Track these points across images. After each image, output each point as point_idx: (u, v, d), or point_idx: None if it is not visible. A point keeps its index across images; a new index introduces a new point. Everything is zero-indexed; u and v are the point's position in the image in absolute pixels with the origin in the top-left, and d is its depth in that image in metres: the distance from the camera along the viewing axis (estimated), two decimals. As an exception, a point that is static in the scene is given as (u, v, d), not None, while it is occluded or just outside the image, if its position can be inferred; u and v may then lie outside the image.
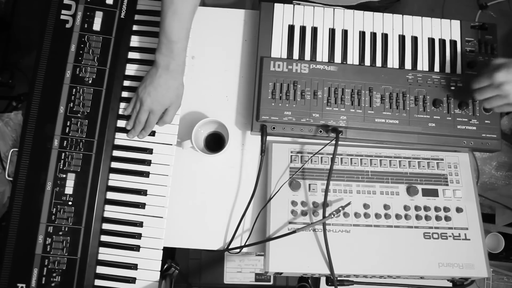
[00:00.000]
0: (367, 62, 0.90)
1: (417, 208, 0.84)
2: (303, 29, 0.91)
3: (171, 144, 0.86)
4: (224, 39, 0.96)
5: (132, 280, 0.81)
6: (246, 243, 0.83)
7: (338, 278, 0.82)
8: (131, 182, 0.84)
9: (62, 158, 0.81)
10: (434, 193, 0.85)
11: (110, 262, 0.81)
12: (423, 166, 0.87)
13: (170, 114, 0.85)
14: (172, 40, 0.79)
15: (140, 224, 0.83)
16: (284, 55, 0.89)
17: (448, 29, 0.93)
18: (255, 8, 1.10)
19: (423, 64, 0.91)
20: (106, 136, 0.83)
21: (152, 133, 0.86)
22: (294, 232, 0.78)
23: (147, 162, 0.85)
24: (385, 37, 0.92)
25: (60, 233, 0.79)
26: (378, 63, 0.90)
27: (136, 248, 0.82)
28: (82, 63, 0.85)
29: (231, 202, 0.88)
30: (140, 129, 0.85)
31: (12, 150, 0.93)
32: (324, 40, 0.91)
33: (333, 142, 0.83)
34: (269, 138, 0.88)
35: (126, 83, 0.88)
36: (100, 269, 0.81)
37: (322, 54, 0.90)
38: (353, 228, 0.82)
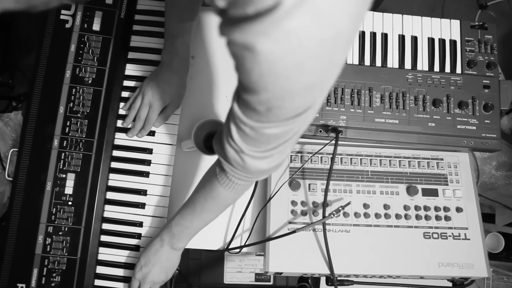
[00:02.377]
0: (367, 61, 0.90)
1: (417, 208, 0.84)
2: (303, 29, 0.91)
3: (171, 144, 0.86)
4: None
5: (132, 280, 0.81)
6: (246, 243, 0.83)
7: (338, 278, 0.82)
8: (131, 182, 0.84)
9: (62, 158, 0.81)
10: (434, 193, 0.85)
11: (110, 262, 0.81)
12: (423, 166, 0.87)
13: (168, 112, 0.85)
14: (172, 34, 0.79)
15: (140, 224, 0.83)
16: (284, 55, 0.89)
17: (448, 29, 0.93)
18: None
19: (423, 63, 0.91)
20: (106, 136, 0.83)
21: (152, 133, 0.86)
22: (294, 232, 0.78)
23: (147, 162, 0.85)
24: (384, 36, 0.92)
25: (60, 233, 0.79)
26: (378, 62, 0.90)
27: (136, 248, 0.82)
28: (82, 63, 0.85)
29: (231, 202, 0.87)
30: (140, 126, 0.85)
31: (12, 150, 0.93)
32: (324, 40, 0.91)
33: (333, 142, 0.83)
34: (269, 138, 0.88)
35: (126, 83, 0.87)
36: (100, 269, 0.81)
37: (322, 54, 0.90)
38: (353, 228, 0.82)
